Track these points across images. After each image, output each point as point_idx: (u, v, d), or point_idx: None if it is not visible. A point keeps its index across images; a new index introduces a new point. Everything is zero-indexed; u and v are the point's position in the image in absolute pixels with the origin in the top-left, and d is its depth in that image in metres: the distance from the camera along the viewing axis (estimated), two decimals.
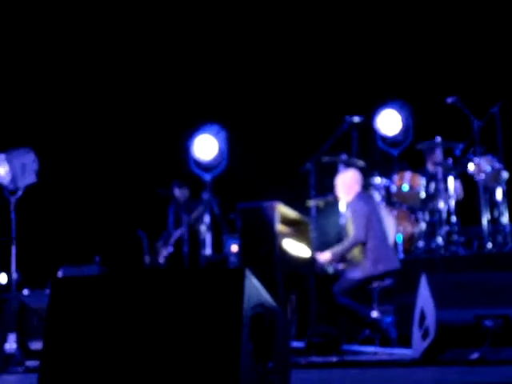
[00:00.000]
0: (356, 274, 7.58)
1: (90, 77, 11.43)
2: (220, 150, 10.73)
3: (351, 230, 7.67)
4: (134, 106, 11.29)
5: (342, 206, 8.83)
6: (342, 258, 7.80)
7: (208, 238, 9.91)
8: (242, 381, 3.53)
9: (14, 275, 7.67)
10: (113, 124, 11.33)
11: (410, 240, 9.07)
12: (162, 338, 3.68)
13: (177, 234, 9.65)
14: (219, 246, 9.86)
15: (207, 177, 10.74)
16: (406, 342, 6.96)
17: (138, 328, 3.71)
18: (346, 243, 7.74)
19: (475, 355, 5.69)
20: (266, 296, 3.94)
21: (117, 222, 10.90)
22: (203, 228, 9.66)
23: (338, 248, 7.74)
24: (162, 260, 9.70)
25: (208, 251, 9.87)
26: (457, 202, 9.13)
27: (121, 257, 10.26)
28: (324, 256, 7.70)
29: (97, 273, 8.88)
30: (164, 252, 9.72)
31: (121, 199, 11.06)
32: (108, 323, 3.74)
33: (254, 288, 3.85)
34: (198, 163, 10.82)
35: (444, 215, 8.95)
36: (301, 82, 11.00)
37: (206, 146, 10.69)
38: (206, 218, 9.91)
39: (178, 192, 9.99)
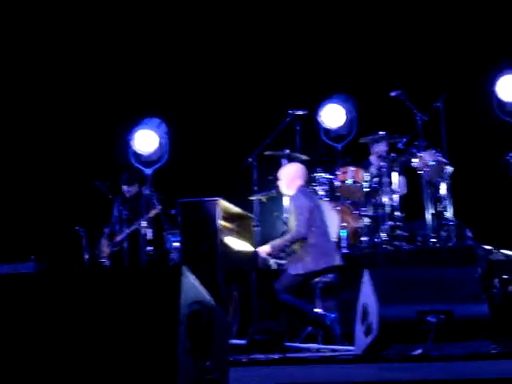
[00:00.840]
0: (297, 269, 7.48)
1: (25, 67, 11.15)
2: (161, 143, 10.57)
3: (293, 225, 7.58)
4: (74, 98, 11.05)
5: (286, 201, 8.74)
6: (281, 251, 7.70)
7: (149, 234, 9.73)
8: (180, 379, 3.53)
9: None
10: (51, 118, 11.08)
11: (353, 235, 9.01)
12: (99, 335, 3.65)
13: (126, 232, 9.42)
14: (161, 242, 9.69)
15: (148, 171, 10.58)
16: (349, 339, 6.90)
17: (76, 325, 3.68)
18: (286, 237, 7.65)
19: (418, 351, 5.65)
20: (203, 293, 3.90)
21: (54, 218, 10.65)
22: (144, 224, 9.47)
23: (278, 241, 7.64)
24: (104, 258, 9.47)
25: (149, 248, 9.69)
26: (400, 197, 9.11)
27: (59, 255, 10.03)
28: (263, 249, 7.58)
29: (32, 271, 8.68)
30: (107, 250, 9.48)
31: (59, 194, 10.81)
32: (43, 321, 3.70)
33: (192, 285, 3.81)
34: (138, 157, 10.64)
35: (388, 210, 8.92)
36: (244, 75, 10.90)
37: (146, 140, 10.52)
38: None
39: (125, 188, 9.76)
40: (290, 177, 7.78)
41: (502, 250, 8.76)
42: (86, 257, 9.49)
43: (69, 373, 3.60)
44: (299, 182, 7.75)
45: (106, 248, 9.50)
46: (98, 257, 9.49)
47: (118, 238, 9.49)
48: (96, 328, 3.66)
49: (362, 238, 9.01)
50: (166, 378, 3.51)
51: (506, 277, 8.24)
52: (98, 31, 11.10)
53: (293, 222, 7.60)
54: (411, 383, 3.65)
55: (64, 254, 9.92)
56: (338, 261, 7.61)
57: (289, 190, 7.76)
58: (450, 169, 8.95)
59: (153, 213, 9.37)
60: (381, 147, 9.34)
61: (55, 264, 9.79)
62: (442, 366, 5.11)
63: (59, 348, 3.63)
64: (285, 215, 8.77)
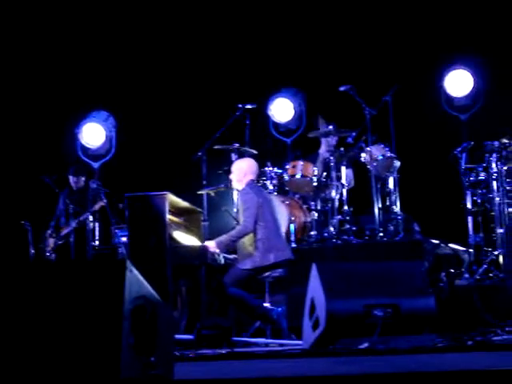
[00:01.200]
0: (246, 264, 7.45)
1: None
2: (108, 137, 10.49)
3: (242, 219, 7.55)
4: (20, 91, 10.86)
5: (235, 195, 8.71)
6: (228, 247, 7.66)
7: (96, 228, 9.63)
8: (123, 375, 3.50)
9: None
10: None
11: (302, 229, 9.01)
12: (41, 331, 3.61)
13: (72, 225, 9.28)
14: (108, 237, 9.60)
15: (95, 165, 10.49)
16: (298, 333, 6.89)
17: (18, 320, 3.64)
18: (233, 232, 7.61)
19: (365, 345, 5.66)
20: (147, 288, 3.87)
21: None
22: (90, 218, 9.36)
23: (223, 237, 7.59)
24: (49, 251, 9.33)
25: (96, 242, 9.59)
26: (348, 191, 9.14)
27: (4, 249, 9.86)
28: (209, 245, 7.53)
29: None
30: (52, 243, 9.35)
31: (4, 188, 10.62)
32: None
33: (136, 280, 3.78)
34: (85, 151, 10.54)
35: (336, 204, 8.94)
36: (193, 68, 10.83)
37: (93, 134, 10.44)
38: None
39: (72, 179, 9.60)
40: (242, 171, 7.73)
41: (449, 244, 8.84)
42: (32, 251, 9.35)
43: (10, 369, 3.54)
44: (250, 177, 7.72)
45: (51, 242, 9.36)
46: (44, 251, 9.34)
47: (64, 232, 9.36)
48: (40, 322, 3.61)
49: (311, 233, 9.02)
50: (109, 373, 3.48)
51: (452, 271, 8.33)
52: (46, 23, 10.93)
53: (241, 216, 7.57)
54: (358, 377, 3.65)
55: (9, 248, 9.75)
56: (287, 255, 7.59)
57: (239, 184, 7.72)
58: (397, 163, 9.00)
59: (98, 206, 9.26)
60: (330, 142, 9.35)
61: (0, 258, 9.64)
62: (388, 359, 5.12)
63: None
64: (234, 209, 8.74)
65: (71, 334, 3.58)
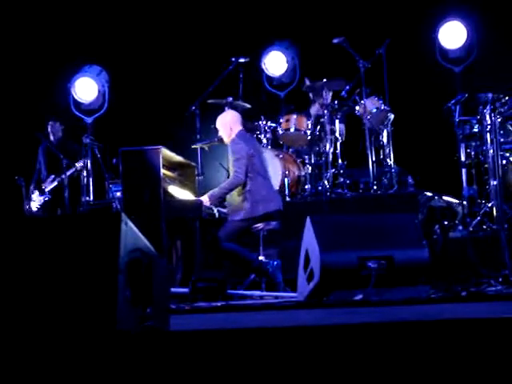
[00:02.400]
0: (238, 216, 7.44)
1: None
2: (101, 92, 10.43)
3: (233, 170, 7.53)
4: (13, 45, 10.75)
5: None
6: (221, 199, 7.65)
7: (90, 183, 9.60)
8: (120, 326, 3.52)
9: None
10: None
11: (296, 183, 9.02)
12: (38, 285, 3.62)
13: (55, 180, 9.20)
14: (102, 192, 9.58)
15: (88, 120, 10.45)
16: (292, 286, 6.93)
17: (14, 275, 3.65)
18: (224, 184, 7.59)
19: (359, 297, 5.69)
20: (143, 241, 3.88)
21: None
22: (84, 173, 9.32)
23: (215, 190, 7.57)
24: (35, 207, 9.21)
25: (90, 198, 9.57)
26: (342, 144, 9.13)
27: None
28: (202, 199, 7.52)
29: None
30: (37, 199, 9.23)
31: None
32: None
33: (131, 233, 3.79)
34: (78, 105, 10.49)
35: (330, 158, 8.93)
36: (185, 22, 10.73)
37: (86, 88, 10.37)
38: (87, 163, 9.56)
39: (51, 128, 9.46)
40: (227, 125, 7.68)
41: (443, 197, 8.86)
42: (27, 207, 9.31)
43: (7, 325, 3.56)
44: (238, 127, 7.66)
45: (36, 197, 9.25)
46: (29, 206, 9.22)
47: (48, 187, 9.23)
48: (36, 276, 3.62)
49: (305, 186, 9.03)
50: (105, 325, 3.50)
51: (446, 223, 8.36)
52: None
53: (232, 167, 7.54)
54: (353, 326, 3.67)
55: (3, 204, 9.73)
56: (277, 206, 7.57)
57: (228, 137, 7.67)
58: (391, 116, 8.99)
59: (80, 164, 9.12)
60: (324, 95, 9.30)
61: None
62: (382, 311, 5.16)
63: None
64: (228, 164, 8.74)
65: (67, 287, 3.59)
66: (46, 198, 9.22)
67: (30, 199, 9.24)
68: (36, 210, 9.19)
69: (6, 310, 3.56)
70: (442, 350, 3.41)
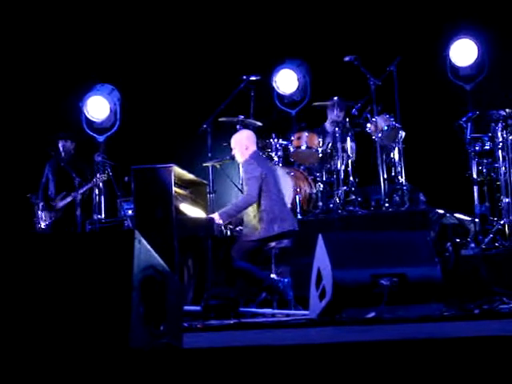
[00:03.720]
0: (251, 236, 7.46)
1: None
2: (113, 110, 10.47)
3: (246, 190, 7.55)
4: (26, 64, 10.82)
5: (240, 167, 8.71)
6: (232, 218, 7.66)
7: (101, 201, 9.63)
8: (133, 344, 3.53)
9: None
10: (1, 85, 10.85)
11: (307, 201, 9.03)
12: (52, 302, 3.63)
13: (69, 197, 9.21)
14: (114, 210, 9.61)
15: (100, 138, 10.48)
16: (304, 304, 6.92)
17: (29, 292, 3.66)
18: (236, 202, 7.62)
19: (372, 314, 5.67)
20: (156, 258, 3.88)
21: (5, 185, 10.46)
22: (96, 191, 9.35)
23: (227, 208, 7.59)
24: (44, 225, 9.19)
25: (102, 215, 9.59)
26: (354, 162, 9.15)
27: (11, 222, 9.88)
28: (213, 217, 7.53)
29: None
30: (47, 217, 9.21)
31: (11, 162, 10.61)
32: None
33: (144, 250, 3.79)
34: (90, 124, 10.53)
35: (341, 175, 8.94)
36: (197, 40, 10.78)
37: (98, 107, 10.41)
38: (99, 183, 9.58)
39: (62, 145, 9.47)
40: (242, 144, 7.71)
41: (454, 214, 8.84)
42: (39, 225, 9.32)
43: (16, 341, 3.56)
44: (252, 147, 7.71)
45: (45, 215, 9.23)
46: (37, 224, 9.21)
47: (60, 204, 9.23)
48: (50, 293, 3.64)
49: (317, 204, 9.03)
50: (118, 343, 3.50)
51: (458, 240, 8.34)
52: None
53: (245, 187, 7.57)
54: (365, 344, 3.67)
55: (16, 221, 9.76)
56: (291, 225, 7.59)
57: (243, 157, 7.70)
58: (403, 133, 9.00)
59: (99, 179, 9.13)
60: (336, 113, 9.33)
61: (7, 231, 9.65)
62: (394, 328, 5.14)
63: (10, 313, 3.59)
64: (240, 182, 8.76)
65: (81, 304, 3.60)
66: (54, 217, 9.20)
67: (38, 216, 9.24)
68: (44, 227, 9.18)
69: (21, 327, 3.57)
70: (455, 368, 3.40)
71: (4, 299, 3.63)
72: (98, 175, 9.11)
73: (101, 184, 9.36)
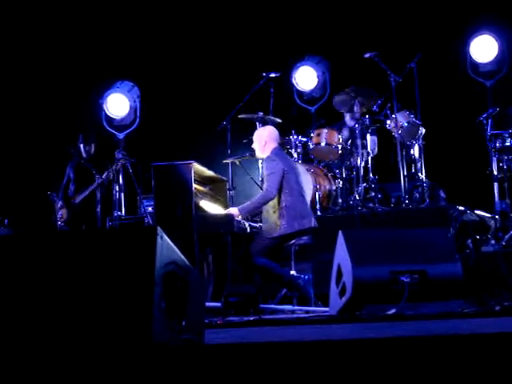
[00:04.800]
0: (272, 233, 7.46)
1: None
2: (133, 107, 10.50)
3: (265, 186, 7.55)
4: (46, 63, 10.88)
5: (260, 163, 8.73)
6: (251, 213, 7.67)
7: (122, 198, 9.66)
8: (155, 339, 3.53)
9: None
10: (23, 83, 10.91)
11: (327, 197, 9.02)
12: (75, 298, 3.65)
13: (85, 191, 9.21)
14: (134, 207, 9.64)
15: (120, 135, 10.52)
16: (324, 300, 6.92)
17: (50, 287, 3.68)
18: (256, 198, 7.61)
19: (392, 311, 5.67)
20: (178, 254, 3.89)
21: (26, 183, 10.52)
22: (116, 188, 9.38)
23: (246, 203, 7.60)
24: (62, 222, 9.22)
25: (122, 212, 9.63)
26: (373, 158, 9.14)
27: (32, 219, 9.93)
28: (231, 211, 7.54)
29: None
30: (65, 214, 9.25)
31: (32, 160, 10.67)
32: (20, 283, 3.71)
33: (167, 246, 3.81)
34: (110, 121, 10.56)
35: (361, 172, 8.93)
36: (217, 37, 10.79)
37: (118, 104, 10.45)
38: (119, 178, 9.63)
39: (83, 148, 9.52)
40: (263, 140, 7.71)
41: (475, 211, 8.81)
42: (58, 223, 9.36)
43: (41, 336, 3.59)
44: (273, 144, 7.70)
45: (64, 212, 9.27)
46: (56, 222, 9.24)
47: (78, 199, 9.26)
48: (73, 290, 3.66)
49: (336, 201, 9.03)
50: (141, 339, 3.52)
51: (478, 237, 8.31)
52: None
53: (265, 183, 7.57)
54: (385, 340, 3.67)
55: (37, 219, 9.81)
56: (312, 223, 7.59)
57: (264, 153, 7.70)
58: (423, 130, 8.98)
59: (108, 175, 9.15)
60: (355, 109, 9.32)
61: (28, 228, 9.71)
62: (415, 325, 5.14)
63: (34, 309, 3.62)
64: (259, 178, 8.77)
65: (104, 300, 3.61)
66: (71, 214, 9.22)
67: (57, 214, 9.28)
68: (62, 224, 9.22)
69: (46, 322, 3.59)
70: (476, 365, 3.39)
71: (30, 295, 3.66)
72: (105, 173, 9.12)
73: (120, 178, 9.38)
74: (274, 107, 9.41)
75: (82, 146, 9.44)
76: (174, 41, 10.88)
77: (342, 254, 5.98)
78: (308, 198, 8.31)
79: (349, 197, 9.00)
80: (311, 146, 9.15)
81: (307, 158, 9.31)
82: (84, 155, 9.44)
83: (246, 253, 7.48)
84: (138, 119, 10.52)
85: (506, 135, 8.46)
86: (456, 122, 9.68)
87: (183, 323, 3.77)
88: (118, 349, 3.51)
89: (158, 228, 3.73)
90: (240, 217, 7.54)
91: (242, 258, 7.54)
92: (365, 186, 8.98)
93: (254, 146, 7.82)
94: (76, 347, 3.54)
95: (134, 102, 10.54)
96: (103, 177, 8.94)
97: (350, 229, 7.96)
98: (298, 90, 10.71)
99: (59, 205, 9.30)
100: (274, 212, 7.48)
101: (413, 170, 9.04)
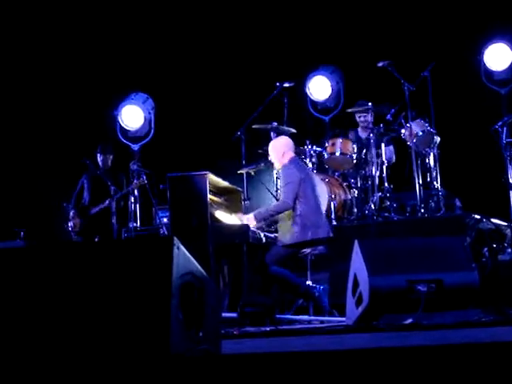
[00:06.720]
0: (286, 240, 7.46)
1: (9, 42, 11.02)
2: (147, 119, 10.53)
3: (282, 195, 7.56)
4: (61, 74, 10.94)
5: (275, 174, 8.73)
6: (266, 221, 7.68)
7: (137, 210, 9.68)
8: (173, 350, 3.54)
9: None
10: (37, 94, 10.97)
11: (342, 207, 9.01)
12: (93, 309, 3.66)
13: (101, 206, 9.25)
14: (149, 218, 9.66)
15: (135, 147, 10.55)
16: (340, 310, 6.91)
17: (67, 299, 3.69)
18: (271, 206, 7.64)
19: (409, 320, 5.65)
20: (195, 265, 3.89)
21: (42, 194, 10.55)
22: (132, 200, 9.40)
23: (262, 209, 7.61)
24: (74, 232, 9.25)
25: (137, 223, 9.65)
26: (390, 166, 9.12)
27: (46, 230, 9.96)
28: (247, 218, 7.54)
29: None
30: (78, 224, 9.28)
31: (46, 171, 10.71)
32: (36, 294, 3.72)
33: (183, 257, 3.81)
34: (125, 133, 10.60)
35: (376, 181, 8.92)
36: (230, 47, 10.82)
37: (133, 116, 10.48)
38: (135, 190, 9.64)
39: (100, 158, 9.55)
40: (279, 151, 7.72)
41: (491, 219, 8.78)
42: (71, 232, 9.38)
43: (59, 349, 3.59)
44: (290, 153, 7.71)
45: (77, 222, 9.30)
46: (69, 232, 9.28)
47: (93, 211, 9.29)
48: (89, 302, 3.67)
49: (351, 210, 9.01)
50: (159, 350, 3.52)
51: (495, 246, 8.27)
52: (83, 6, 10.98)
53: (282, 192, 7.58)
54: (403, 350, 3.66)
55: (53, 230, 9.84)
56: (327, 233, 7.59)
57: (279, 162, 7.71)
58: (438, 138, 8.96)
59: (135, 186, 9.20)
60: (369, 119, 9.34)
61: (43, 240, 9.73)
62: (432, 334, 5.12)
63: (51, 321, 3.63)
64: (274, 188, 8.78)
65: (122, 311, 3.62)
66: (84, 224, 9.25)
67: (70, 224, 9.31)
68: (74, 234, 9.26)
69: (64, 333, 3.60)
70: (495, 374, 3.38)
71: (47, 305, 3.67)
72: (135, 181, 9.18)
73: (135, 191, 9.42)
74: (288, 117, 9.41)
75: (99, 155, 9.49)
76: (188, 52, 10.91)
77: (358, 264, 5.97)
78: (323, 208, 8.30)
79: (364, 206, 8.99)
80: (326, 156, 9.15)
81: (322, 167, 9.30)
82: (101, 166, 9.49)
83: (261, 263, 7.48)
84: (152, 130, 10.54)
85: None
86: (471, 131, 9.66)
87: (200, 334, 3.78)
88: (137, 360, 3.51)
89: (175, 238, 3.73)
90: (255, 225, 7.54)
91: (258, 268, 7.54)
92: (380, 196, 8.96)
93: (271, 157, 7.83)
94: (95, 359, 3.55)
95: (149, 113, 10.57)
96: (116, 197, 9.00)
97: (366, 238, 7.94)
98: (311, 100, 10.71)
99: (71, 214, 9.34)
100: (289, 219, 7.49)
101: (428, 179, 9.01)
